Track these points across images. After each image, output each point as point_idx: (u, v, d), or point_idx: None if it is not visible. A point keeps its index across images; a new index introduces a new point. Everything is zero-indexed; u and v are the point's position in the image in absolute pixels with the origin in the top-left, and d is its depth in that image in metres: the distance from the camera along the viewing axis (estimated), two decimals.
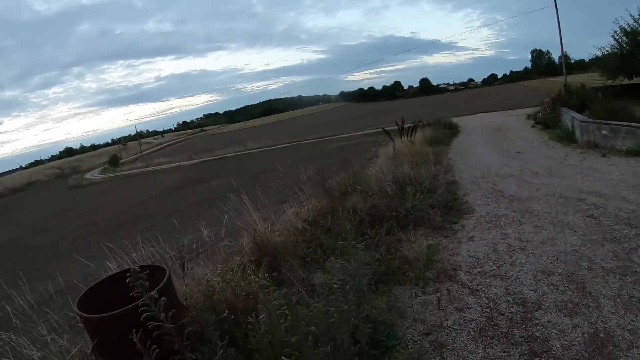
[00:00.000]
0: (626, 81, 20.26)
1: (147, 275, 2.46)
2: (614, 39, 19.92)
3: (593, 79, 22.04)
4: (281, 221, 7.02)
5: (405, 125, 12.71)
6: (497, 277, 4.43)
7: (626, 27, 19.29)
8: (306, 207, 7.11)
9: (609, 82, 20.45)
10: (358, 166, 11.36)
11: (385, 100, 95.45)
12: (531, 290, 4.04)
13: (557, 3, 21.86)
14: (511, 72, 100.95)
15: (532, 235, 5.55)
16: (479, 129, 18.50)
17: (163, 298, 2.48)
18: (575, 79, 37.40)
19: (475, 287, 4.28)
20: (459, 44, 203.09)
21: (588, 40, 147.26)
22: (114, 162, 62.01)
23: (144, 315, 2.40)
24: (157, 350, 2.36)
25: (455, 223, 6.49)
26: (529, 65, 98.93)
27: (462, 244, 5.62)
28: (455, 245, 5.57)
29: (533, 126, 17.22)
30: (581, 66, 79.03)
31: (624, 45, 19.39)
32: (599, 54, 21.35)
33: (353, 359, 2.77)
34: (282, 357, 2.53)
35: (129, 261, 4.19)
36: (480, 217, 6.67)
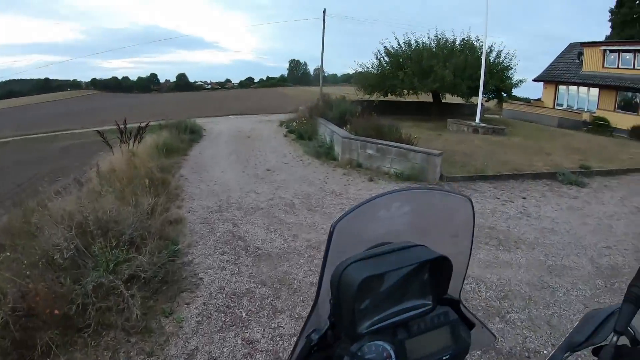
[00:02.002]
0: (382, 98, 20.93)
1: None
2: (377, 58, 21.16)
3: (348, 92, 22.65)
4: None
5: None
6: None
7: (390, 49, 20.67)
8: None
9: (366, 96, 20.81)
10: (50, 191, 6.81)
11: (139, 93, 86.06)
12: None
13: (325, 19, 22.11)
14: (268, 77, 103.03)
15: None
16: (227, 135, 15.32)
17: None
18: (332, 91, 39.23)
19: None
20: (222, 44, 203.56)
21: (339, 59, 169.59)
22: None
23: None
24: None
25: (167, 316, 3.84)
26: (285, 73, 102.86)
27: None
28: None
29: (286, 135, 14.95)
30: (333, 80, 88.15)
31: (385, 64, 20.68)
32: (360, 69, 22.03)
33: None
34: None
35: None
36: (208, 302, 4.09)
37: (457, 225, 1.01)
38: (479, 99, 17.34)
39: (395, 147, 9.00)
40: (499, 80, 19.27)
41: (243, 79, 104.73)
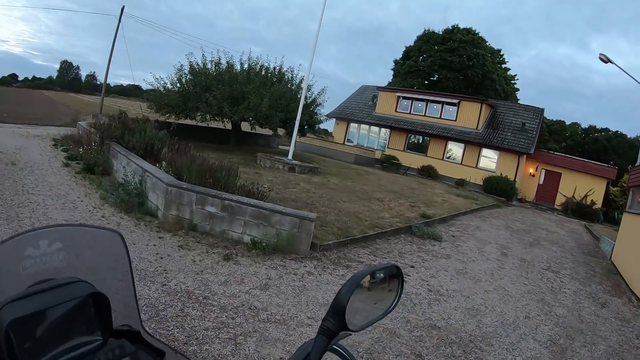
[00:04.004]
0: (180, 120, 17.72)
1: None
2: (177, 75, 18.22)
3: (125, 106, 19.00)
4: None
5: None
6: None
7: (196, 66, 17.98)
8: None
9: (159, 117, 17.57)
10: None
11: None
12: None
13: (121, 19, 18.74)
14: (34, 77, 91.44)
15: None
16: None
17: None
18: (106, 103, 33.23)
19: None
20: None
21: (114, 68, 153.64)
22: None
23: None
24: None
25: None
26: (54, 75, 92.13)
27: None
28: None
29: (67, 164, 10.69)
30: (106, 89, 78.87)
31: (187, 84, 17.89)
32: (157, 85, 18.42)
33: None
34: None
35: None
36: None
37: (113, 259, 1.02)
38: (294, 135, 16.12)
39: (254, 206, 6.60)
40: (309, 116, 18.55)
41: (6, 75, 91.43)
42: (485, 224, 13.49)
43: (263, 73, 18.10)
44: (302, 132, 18.85)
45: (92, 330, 0.83)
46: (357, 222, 9.09)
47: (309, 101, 18.34)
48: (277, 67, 18.87)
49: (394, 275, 1.03)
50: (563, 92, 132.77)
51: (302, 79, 18.29)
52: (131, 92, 79.76)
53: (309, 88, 18.07)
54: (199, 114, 17.57)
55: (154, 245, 5.98)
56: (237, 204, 6.66)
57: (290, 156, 15.65)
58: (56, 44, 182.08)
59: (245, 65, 18.24)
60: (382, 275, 1.00)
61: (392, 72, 43.95)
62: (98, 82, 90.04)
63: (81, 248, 0.97)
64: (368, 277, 0.95)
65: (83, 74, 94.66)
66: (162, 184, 7.09)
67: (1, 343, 0.70)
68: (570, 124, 53.15)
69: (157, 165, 8.44)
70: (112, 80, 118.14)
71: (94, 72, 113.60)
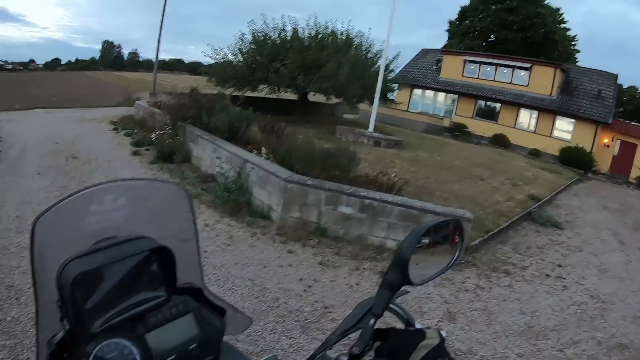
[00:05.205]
0: (246, 93, 16.15)
1: None
2: (239, 46, 16.73)
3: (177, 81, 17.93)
4: None
5: None
6: None
7: (259, 35, 16.39)
8: None
9: (229, 91, 15.97)
10: None
11: None
12: None
13: None
14: (77, 59, 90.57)
15: None
16: (38, 154, 8.57)
17: None
18: (150, 78, 32.26)
19: None
20: (28, 18, 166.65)
21: (153, 43, 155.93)
22: None
23: None
24: None
25: None
26: (97, 55, 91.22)
27: None
28: None
29: (136, 152, 9.31)
30: (148, 65, 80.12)
31: (251, 54, 16.44)
32: (218, 57, 16.93)
33: None
34: None
35: None
36: None
37: (178, 214, 0.99)
38: (375, 105, 14.42)
39: (402, 205, 5.08)
40: (384, 83, 16.68)
41: (49, 60, 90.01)
42: (584, 204, 12.06)
43: (330, 40, 16.25)
44: (371, 101, 17.16)
45: (156, 286, 0.83)
46: (480, 209, 7.76)
47: (386, 70, 16.53)
48: (345, 33, 17.00)
49: (455, 229, 0.99)
50: (616, 53, 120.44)
51: (371, 44, 16.71)
52: (174, 66, 79.66)
53: (380, 54, 16.26)
54: (267, 85, 16.25)
55: (289, 265, 4.54)
56: (381, 203, 5.14)
57: (371, 128, 14.02)
58: (96, 25, 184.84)
59: (312, 32, 16.49)
60: (442, 228, 0.97)
61: (447, 34, 40.93)
62: (140, 59, 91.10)
63: (146, 203, 0.94)
64: (429, 230, 0.93)
65: (125, 52, 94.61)
66: (278, 180, 5.58)
67: (67, 298, 0.71)
68: (627, 88, 48.01)
69: (255, 151, 6.97)
70: (154, 56, 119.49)
71: (136, 49, 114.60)
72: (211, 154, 7.69)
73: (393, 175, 6.85)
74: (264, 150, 6.89)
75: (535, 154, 20.64)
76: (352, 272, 4.53)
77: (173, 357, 0.82)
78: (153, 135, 9.53)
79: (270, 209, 5.78)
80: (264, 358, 1.01)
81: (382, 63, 14.27)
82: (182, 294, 0.88)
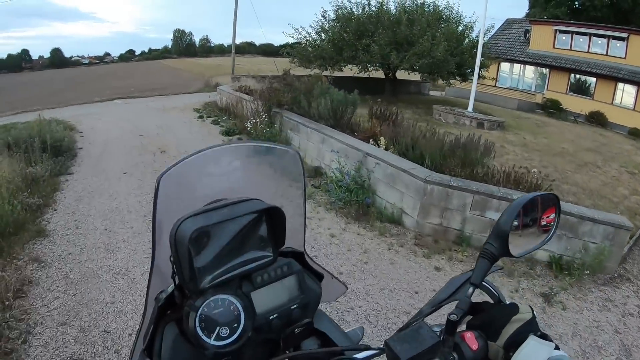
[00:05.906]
0: (334, 73, 15.28)
1: None
2: (322, 26, 15.80)
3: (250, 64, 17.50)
4: None
5: None
6: None
7: (344, 12, 15.41)
8: None
9: (314, 72, 14.95)
10: None
11: (9, 72, 69.06)
12: None
13: None
14: (150, 49, 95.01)
15: None
16: (121, 148, 8.48)
17: None
18: (223, 62, 32.34)
19: None
20: (99, 15, 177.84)
21: (222, 28, 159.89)
22: None
23: None
24: None
25: None
26: (169, 44, 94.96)
27: None
28: None
29: (229, 143, 8.98)
30: (220, 50, 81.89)
31: (335, 31, 15.26)
32: (301, 37, 16.26)
33: None
34: None
35: None
36: None
37: (290, 178, 1.02)
38: (474, 83, 13.21)
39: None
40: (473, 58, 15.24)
41: (123, 52, 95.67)
42: None
43: (420, 13, 14.97)
44: (463, 77, 15.84)
45: (263, 246, 0.86)
46: (612, 206, 6.66)
47: (476, 42, 15.00)
48: (433, 6, 15.67)
49: (553, 203, 0.97)
50: None
51: (461, 16, 15.55)
52: (245, 49, 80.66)
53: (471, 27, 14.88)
54: (356, 63, 15.29)
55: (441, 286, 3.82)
56: None
57: (470, 108, 12.91)
58: (165, 16, 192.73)
59: (399, 6, 15.28)
60: (541, 202, 0.94)
61: (521, 3, 37.45)
62: (212, 45, 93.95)
63: (259, 165, 1.00)
64: (528, 204, 0.90)
65: (197, 38, 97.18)
66: (413, 179, 4.82)
67: (181, 254, 0.73)
68: None
69: (372, 141, 6.25)
70: (224, 40, 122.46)
71: (207, 35, 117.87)
72: (319, 145, 7.03)
73: (533, 170, 5.88)
74: (382, 140, 6.14)
75: (635, 133, 18.24)
76: (513, 295, 3.77)
77: (275, 315, 0.86)
78: (248, 124, 9.03)
79: (403, 212, 5.03)
80: (352, 328, 1.10)
81: (480, 36, 12.96)
82: (285, 257, 0.91)
